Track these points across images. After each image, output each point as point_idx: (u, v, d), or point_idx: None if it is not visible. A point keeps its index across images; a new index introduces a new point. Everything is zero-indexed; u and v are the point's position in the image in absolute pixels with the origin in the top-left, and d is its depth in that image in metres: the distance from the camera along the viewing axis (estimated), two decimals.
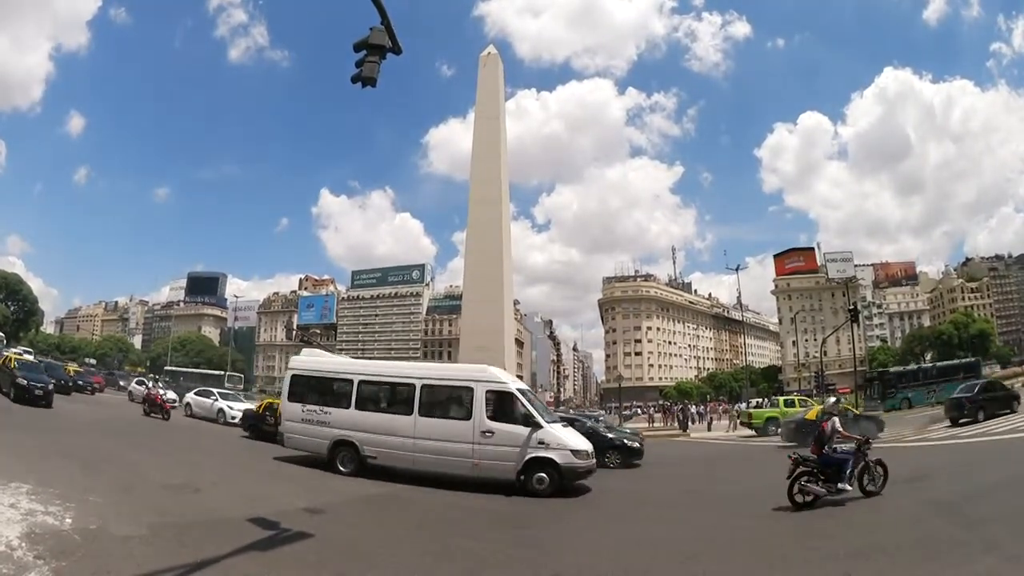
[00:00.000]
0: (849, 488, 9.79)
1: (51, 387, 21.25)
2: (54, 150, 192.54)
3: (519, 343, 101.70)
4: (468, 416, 12.18)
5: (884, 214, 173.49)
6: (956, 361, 45.51)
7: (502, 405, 12.33)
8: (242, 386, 58.33)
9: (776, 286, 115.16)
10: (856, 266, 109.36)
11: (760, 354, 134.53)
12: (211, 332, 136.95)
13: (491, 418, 12.10)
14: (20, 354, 42.62)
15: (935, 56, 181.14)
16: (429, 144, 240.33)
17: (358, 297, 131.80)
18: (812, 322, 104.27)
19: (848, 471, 9.82)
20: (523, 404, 12.29)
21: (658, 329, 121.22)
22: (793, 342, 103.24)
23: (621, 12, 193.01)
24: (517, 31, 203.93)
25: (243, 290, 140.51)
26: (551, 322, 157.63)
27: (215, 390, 31.37)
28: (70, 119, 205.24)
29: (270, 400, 24.00)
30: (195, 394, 29.14)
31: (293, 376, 14.49)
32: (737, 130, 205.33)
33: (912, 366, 51.14)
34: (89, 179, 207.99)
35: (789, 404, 31.12)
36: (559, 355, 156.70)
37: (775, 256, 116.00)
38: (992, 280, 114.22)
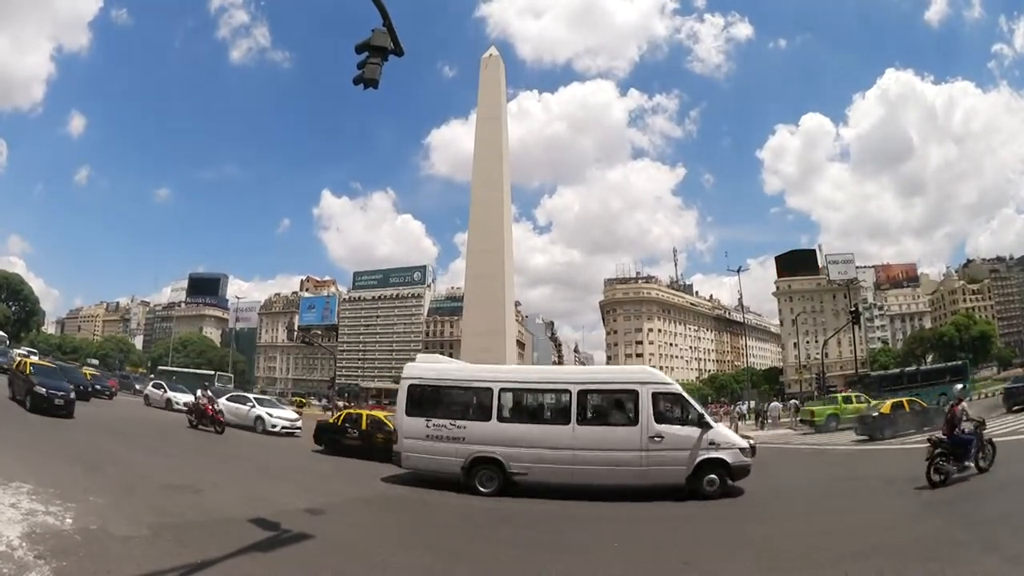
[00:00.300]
0: (971, 466, 10.81)
1: (72, 395, 19.01)
2: (55, 150, 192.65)
3: (520, 344, 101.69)
4: (634, 421, 11.39)
5: (886, 216, 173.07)
6: (942, 365, 45.29)
7: (669, 407, 11.78)
8: (231, 386, 57.81)
9: (777, 288, 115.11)
10: (857, 268, 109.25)
11: (761, 356, 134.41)
12: (212, 333, 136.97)
13: (658, 421, 11.41)
14: (26, 355, 42.32)
15: (937, 57, 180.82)
16: (431, 145, 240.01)
17: (359, 298, 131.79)
18: (813, 324, 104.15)
19: (972, 450, 10.81)
20: (693, 405, 11.89)
21: (659, 331, 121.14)
22: (794, 344, 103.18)
23: (623, 13, 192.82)
24: (519, 32, 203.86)
25: (244, 291, 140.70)
26: (552, 324, 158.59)
27: (250, 395, 28.89)
28: (71, 119, 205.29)
29: (350, 411, 22.07)
30: (228, 400, 27.10)
31: (411, 386, 12.74)
32: (739, 131, 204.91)
33: (895, 370, 51.15)
34: (90, 179, 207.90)
35: (847, 400, 32.07)
36: (560, 357, 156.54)
37: (776, 258, 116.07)
38: (993, 282, 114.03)
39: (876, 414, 23.82)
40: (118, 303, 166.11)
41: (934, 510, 9.20)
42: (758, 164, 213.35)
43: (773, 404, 40.63)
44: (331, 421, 19.79)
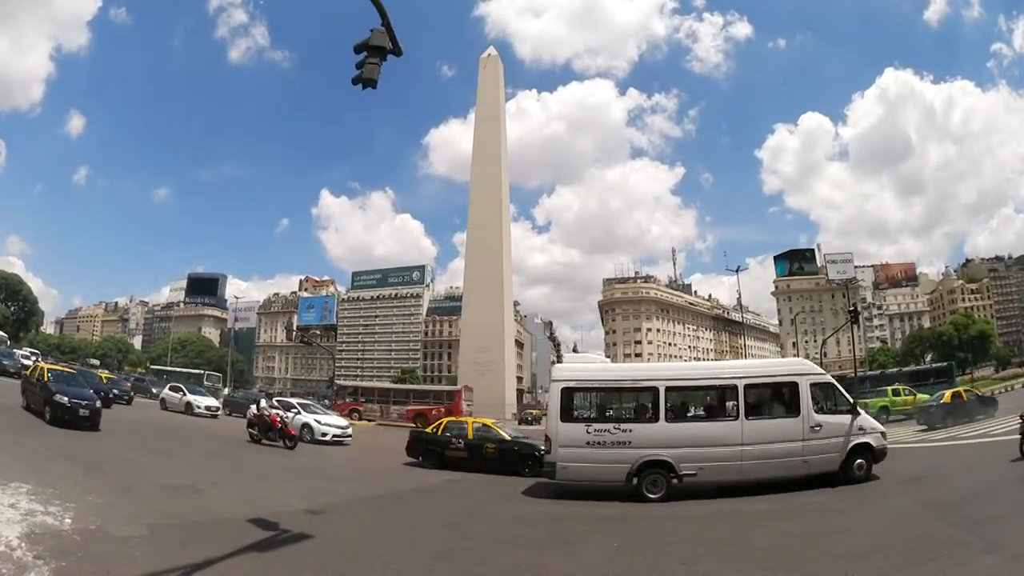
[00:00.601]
0: None
1: (98, 404, 16.95)
2: (54, 150, 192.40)
3: (519, 344, 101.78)
4: (796, 412, 11.45)
5: (885, 215, 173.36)
6: (927, 366, 45.44)
7: (824, 396, 11.98)
8: (220, 385, 57.45)
9: (776, 287, 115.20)
10: (856, 267, 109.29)
11: (760, 355, 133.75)
12: (211, 333, 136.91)
13: (815, 411, 11.59)
14: (28, 355, 41.05)
15: (936, 57, 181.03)
16: (429, 145, 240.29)
17: (358, 298, 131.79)
18: (812, 323, 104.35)
19: None
20: (843, 393, 12.19)
21: (658, 330, 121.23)
22: (793, 343, 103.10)
23: (622, 13, 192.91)
24: (518, 31, 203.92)
25: (243, 291, 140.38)
26: (551, 323, 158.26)
27: (294, 401, 26.19)
28: (70, 119, 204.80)
29: (452, 418, 20.46)
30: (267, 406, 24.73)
31: (565, 389, 11.90)
32: (738, 131, 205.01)
33: (877, 371, 51.33)
34: (89, 179, 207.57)
35: (896, 393, 33.21)
36: (559, 356, 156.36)
37: (775, 258, 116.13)
38: (992, 281, 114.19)
39: (937, 404, 25.06)
40: (117, 303, 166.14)
41: (934, 510, 9.20)
42: (757, 163, 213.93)
43: None
44: (430, 430, 17.96)
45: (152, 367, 69.95)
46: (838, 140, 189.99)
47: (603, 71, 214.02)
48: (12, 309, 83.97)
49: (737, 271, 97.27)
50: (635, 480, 11.10)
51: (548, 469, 11.73)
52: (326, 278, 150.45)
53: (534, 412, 62.26)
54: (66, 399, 15.96)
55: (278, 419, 18.88)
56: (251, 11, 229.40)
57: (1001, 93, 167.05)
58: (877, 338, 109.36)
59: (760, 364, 14.40)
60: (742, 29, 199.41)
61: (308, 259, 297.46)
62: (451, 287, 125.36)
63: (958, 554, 6.65)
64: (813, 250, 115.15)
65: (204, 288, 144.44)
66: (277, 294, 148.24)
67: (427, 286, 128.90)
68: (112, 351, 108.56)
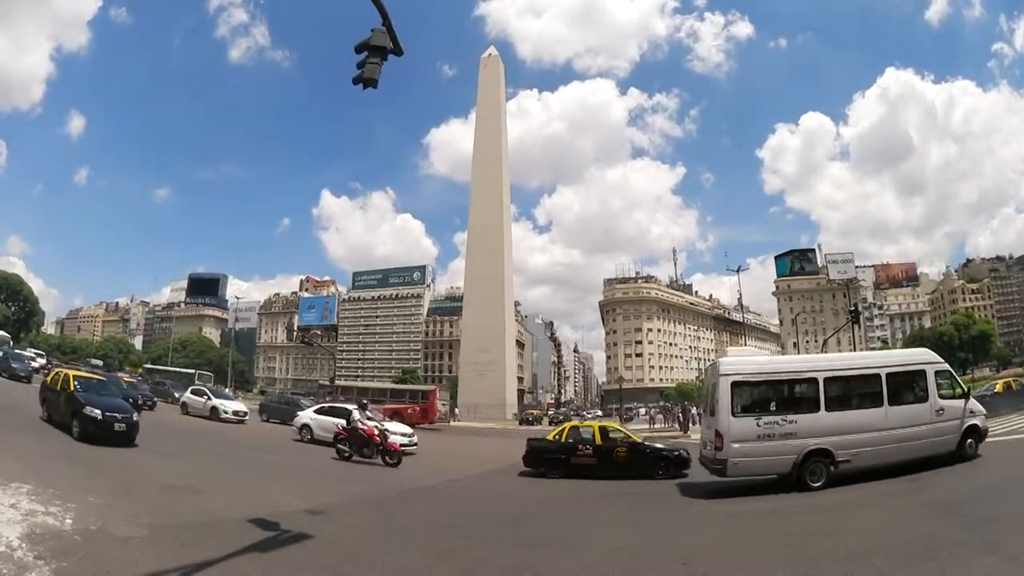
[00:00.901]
0: None
1: (135, 417, 14.84)
2: (54, 151, 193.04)
3: (520, 344, 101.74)
4: (924, 398, 12.29)
5: (886, 215, 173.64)
6: None
7: (944, 383, 12.76)
8: (210, 384, 57.14)
9: (777, 287, 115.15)
10: (857, 267, 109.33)
11: (762, 354, 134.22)
12: (212, 333, 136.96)
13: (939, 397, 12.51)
14: (32, 356, 38.83)
15: (937, 57, 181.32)
16: (430, 145, 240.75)
17: (359, 298, 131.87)
18: (813, 323, 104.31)
19: None
20: (958, 380, 13.22)
21: (659, 330, 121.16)
22: (794, 343, 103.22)
23: (623, 12, 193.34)
24: (518, 31, 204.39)
25: (244, 291, 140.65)
26: (552, 324, 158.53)
27: (352, 406, 22.00)
28: (70, 119, 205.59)
29: (573, 423, 19.34)
30: (316, 413, 21.79)
31: (735, 383, 11.87)
32: (739, 131, 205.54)
33: None
34: (89, 180, 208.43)
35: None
36: (560, 357, 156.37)
37: (776, 258, 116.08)
38: (993, 281, 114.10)
39: (992, 393, 25.71)
40: (117, 303, 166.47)
41: (934, 510, 9.20)
42: (758, 163, 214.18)
43: None
44: (551, 437, 16.77)
45: (146, 366, 69.73)
46: (839, 140, 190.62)
47: (604, 71, 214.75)
48: (13, 309, 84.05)
49: (738, 271, 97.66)
50: (799, 469, 11.46)
51: (718, 467, 11.77)
52: (327, 278, 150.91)
53: (535, 412, 61.95)
54: (98, 412, 13.93)
55: (375, 432, 16.61)
56: (251, 11, 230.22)
57: (1002, 93, 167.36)
58: (878, 338, 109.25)
59: (896, 354, 15.13)
60: (743, 29, 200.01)
61: (309, 259, 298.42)
62: (452, 287, 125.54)
63: (958, 554, 6.64)
64: (814, 250, 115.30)
65: (205, 288, 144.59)
66: (278, 294, 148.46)
67: (428, 286, 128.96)
68: (113, 351, 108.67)
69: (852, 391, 12.47)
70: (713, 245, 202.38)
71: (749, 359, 13.18)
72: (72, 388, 15.03)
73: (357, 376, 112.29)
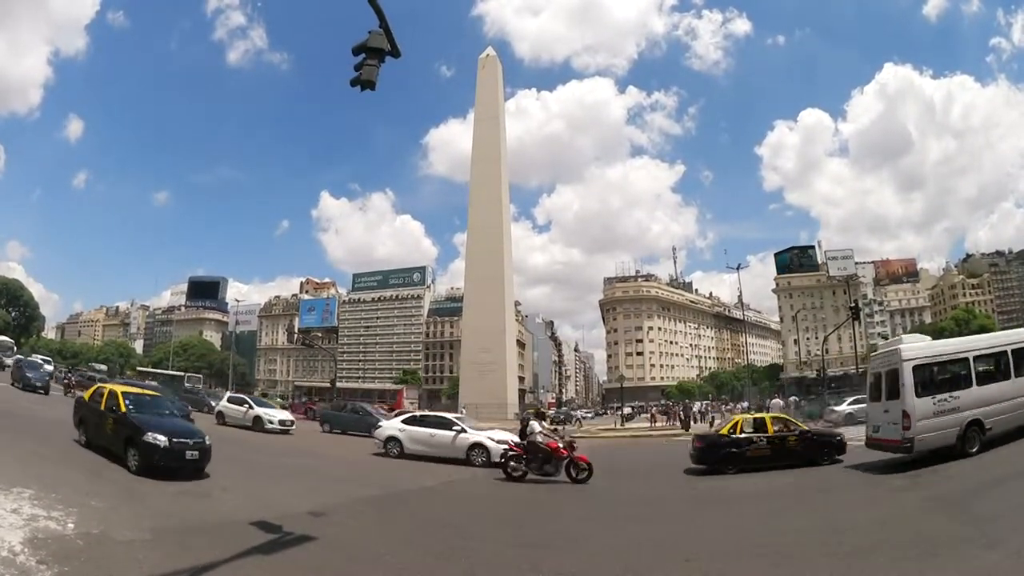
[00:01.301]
0: None
1: (208, 441, 12.01)
2: (53, 155, 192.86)
3: (520, 344, 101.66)
4: None
5: (885, 211, 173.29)
6: None
7: None
8: (201, 386, 56.97)
9: (777, 284, 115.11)
10: (857, 263, 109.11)
11: (762, 353, 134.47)
12: (212, 336, 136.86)
13: None
14: (68, 369, 35.84)
15: (935, 52, 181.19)
16: (429, 145, 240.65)
17: (359, 300, 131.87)
18: (813, 320, 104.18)
19: None
20: None
21: (659, 329, 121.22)
22: (795, 340, 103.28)
23: (621, 10, 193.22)
24: (516, 30, 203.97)
25: (244, 294, 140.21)
26: (552, 323, 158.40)
27: (448, 414, 21.37)
28: (69, 124, 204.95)
29: (742, 416, 18.76)
30: (404, 423, 19.02)
31: (916, 367, 13.06)
32: (738, 128, 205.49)
33: (840, 371, 51.78)
34: (88, 184, 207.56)
35: None
36: (561, 356, 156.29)
37: (776, 255, 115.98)
38: (993, 276, 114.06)
39: None
40: (118, 307, 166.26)
41: (936, 506, 9.20)
42: (757, 160, 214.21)
43: (774, 401, 40.79)
44: (725, 431, 16.27)
45: (139, 369, 69.60)
46: (838, 136, 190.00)
47: (602, 69, 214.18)
48: (13, 315, 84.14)
49: (738, 269, 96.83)
50: (960, 440, 12.68)
51: (907, 445, 12.65)
52: (327, 280, 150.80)
53: (533, 412, 61.66)
54: (163, 439, 11.05)
55: (558, 445, 14.41)
56: (249, 13, 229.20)
57: (1000, 87, 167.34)
58: (878, 334, 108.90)
59: (1014, 333, 15.82)
60: (741, 26, 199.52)
61: (309, 261, 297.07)
62: (452, 288, 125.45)
63: (960, 550, 6.65)
64: (814, 247, 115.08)
65: (205, 291, 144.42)
66: (278, 297, 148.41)
67: (428, 287, 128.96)
68: (114, 355, 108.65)
69: (989, 367, 13.88)
70: (713, 243, 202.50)
71: (923, 344, 14.30)
72: (123, 409, 12.22)
73: (358, 378, 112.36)
